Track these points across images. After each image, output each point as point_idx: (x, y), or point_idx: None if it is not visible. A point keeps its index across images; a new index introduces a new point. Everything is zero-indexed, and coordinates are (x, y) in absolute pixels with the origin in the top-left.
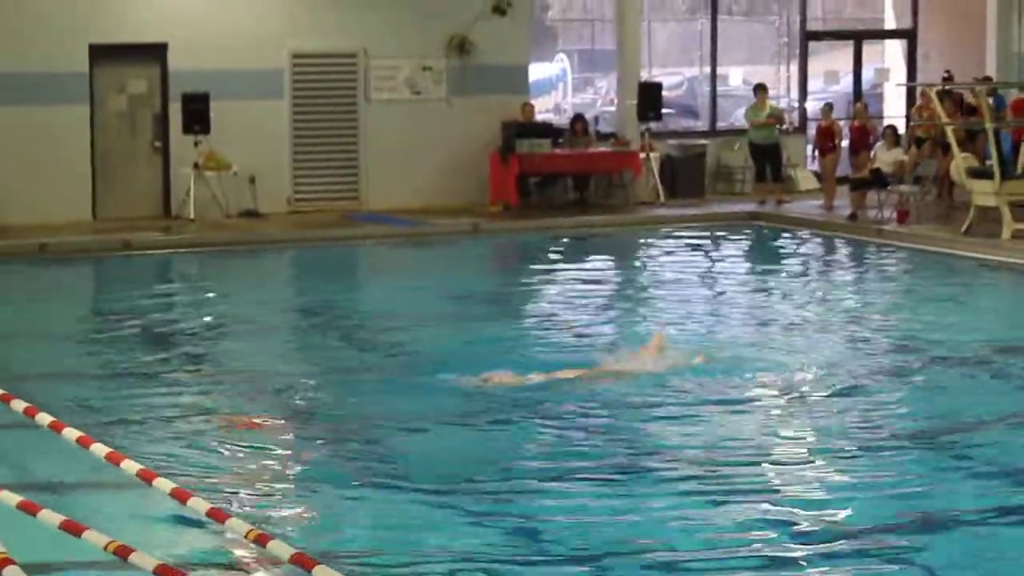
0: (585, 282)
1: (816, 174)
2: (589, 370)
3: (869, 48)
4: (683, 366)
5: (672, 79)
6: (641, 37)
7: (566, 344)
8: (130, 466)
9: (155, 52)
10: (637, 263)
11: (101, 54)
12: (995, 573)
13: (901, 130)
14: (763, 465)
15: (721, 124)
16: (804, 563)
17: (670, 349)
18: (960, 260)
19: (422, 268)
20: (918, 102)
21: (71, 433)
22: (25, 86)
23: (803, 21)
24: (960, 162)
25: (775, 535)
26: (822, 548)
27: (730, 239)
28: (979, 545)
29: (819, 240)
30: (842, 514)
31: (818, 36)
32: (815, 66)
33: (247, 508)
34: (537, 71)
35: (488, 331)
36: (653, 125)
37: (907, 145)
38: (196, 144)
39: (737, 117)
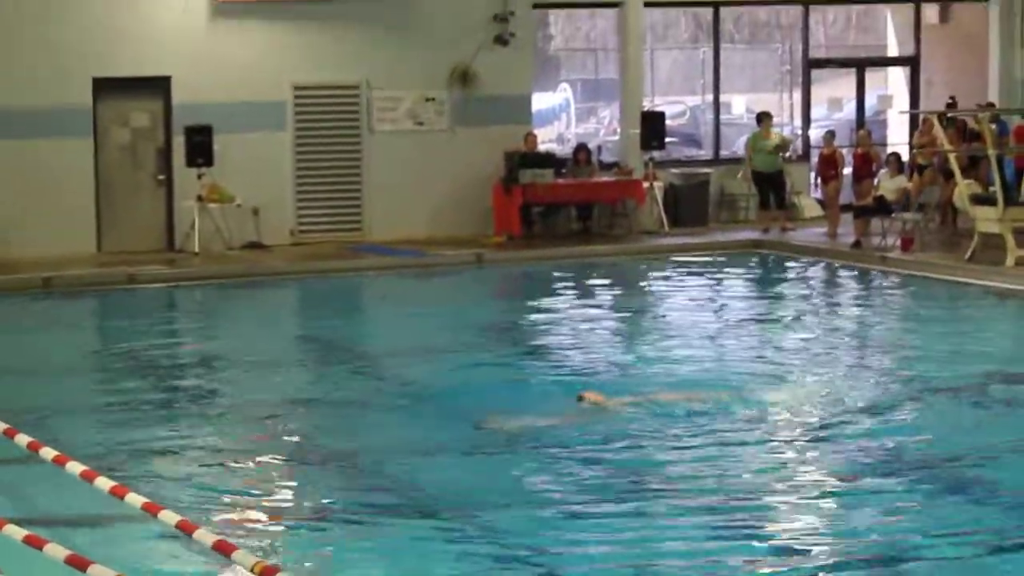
0: (590, 312)
1: (820, 202)
2: (686, 392)
3: (872, 75)
4: (692, 399)
5: (675, 108)
6: (644, 66)
7: (574, 373)
8: (135, 499)
9: (158, 85)
10: (641, 293)
11: (104, 87)
12: None
13: (904, 157)
14: (768, 496)
15: (724, 152)
16: None
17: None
18: (964, 287)
19: (426, 299)
20: (920, 129)
21: (75, 467)
22: (29, 120)
23: (806, 49)
24: (963, 189)
25: (782, 566)
26: None
27: (734, 267)
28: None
29: (823, 268)
30: (850, 544)
31: (821, 64)
32: (818, 93)
33: (253, 540)
34: (540, 101)
35: (492, 361)
36: (656, 154)
37: (909, 173)
38: (199, 177)
39: (740, 145)
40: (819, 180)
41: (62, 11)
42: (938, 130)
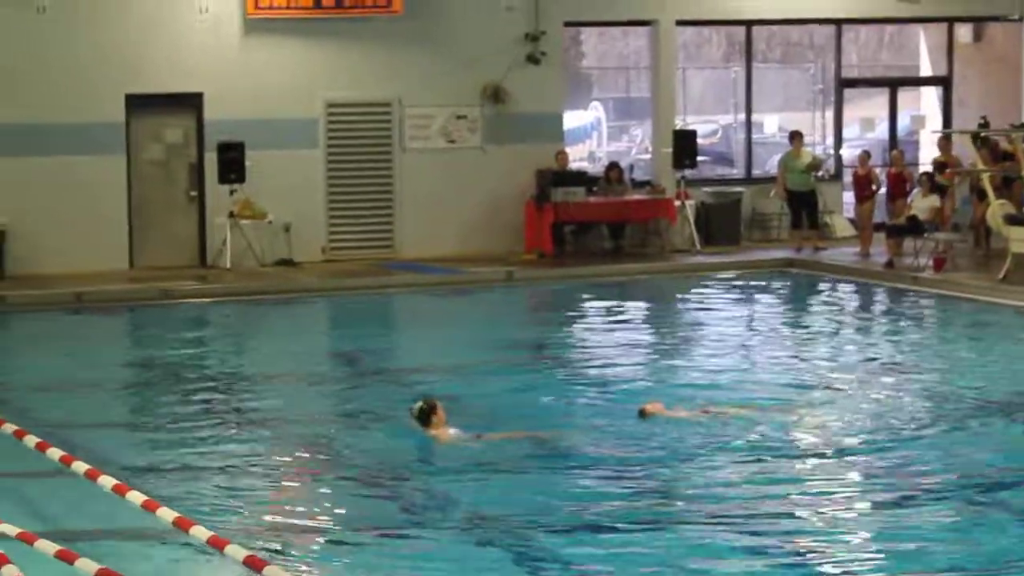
0: (621, 331)
1: (852, 221)
2: (744, 406)
3: (905, 95)
4: (723, 415)
5: (707, 127)
6: (676, 85)
7: (604, 392)
8: (166, 514)
9: (191, 102)
10: (673, 311)
11: (138, 104)
12: None
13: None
14: (798, 514)
15: (756, 171)
16: None
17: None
18: (997, 308)
19: (457, 317)
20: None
21: (107, 481)
22: (62, 136)
23: (838, 68)
24: (996, 208)
25: None
26: None
27: (766, 287)
28: None
29: (855, 288)
30: (879, 565)
31: (853, 83)
32: (850, 113)
33: (284, 556)
34: (571, 119)
35: (523, 379)
36: (688, 173)
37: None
38: (231, 193)
39: (772, 165)
40: (854, 199)
41: (95, 28)
42: (972, 150)
